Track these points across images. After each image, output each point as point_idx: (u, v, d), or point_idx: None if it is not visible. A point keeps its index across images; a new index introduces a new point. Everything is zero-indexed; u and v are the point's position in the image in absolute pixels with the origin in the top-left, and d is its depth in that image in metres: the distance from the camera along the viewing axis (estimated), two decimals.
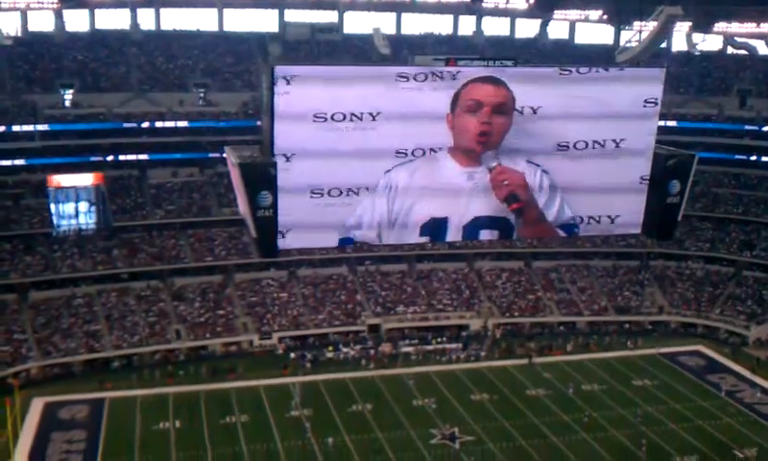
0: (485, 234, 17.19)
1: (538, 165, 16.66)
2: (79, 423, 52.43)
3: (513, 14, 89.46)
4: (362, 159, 15.84)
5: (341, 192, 15.94)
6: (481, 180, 16.36)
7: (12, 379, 56.81)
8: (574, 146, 16.86)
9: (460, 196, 16.42)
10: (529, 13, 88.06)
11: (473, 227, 16.84)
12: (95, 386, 57.54)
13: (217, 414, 53.97)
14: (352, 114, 15.61)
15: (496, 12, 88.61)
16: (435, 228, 16.78)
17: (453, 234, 16.99)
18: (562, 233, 17.85)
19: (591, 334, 70.73)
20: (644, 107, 17.11)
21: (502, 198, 16.50)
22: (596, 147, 17.05)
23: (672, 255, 78.76)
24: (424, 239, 17.08)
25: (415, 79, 15.84)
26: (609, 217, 17.74)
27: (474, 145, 16.15)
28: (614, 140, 17.15)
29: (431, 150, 16.14)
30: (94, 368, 61.47)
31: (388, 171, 16.12)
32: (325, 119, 15.50)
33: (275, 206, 15.57)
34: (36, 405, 54.37)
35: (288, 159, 15.43)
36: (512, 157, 16.37)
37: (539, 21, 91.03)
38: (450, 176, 16.23)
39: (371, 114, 15.71)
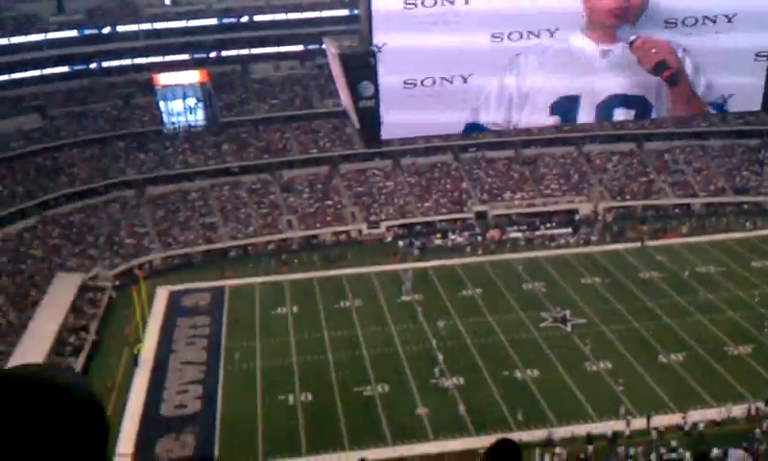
0: (619, 114, 16.46)
1: (678, 44, 15.50)
2: (202, 309, 54.88)
3: None
4: (463, 45, 15.14)
5: (434, 82, 15.35)
6: (617, 56, 15.47)
7: (137, 270, 59.65)
8: (683, 22, 15.57)
9: (593, 73, 15.58)
10: None
11: (607, 106, 16.11)
12: (215, 275, 59.85)
13: (331, 299, 55.46)
14: None
15: None
16: (566, 107, 16.12)
17: (585, 114, 16.31)
18: (712, 110, 16.93)
19: (708, 216, 68.40)
20: None
21: (651, 66, 15.51)
22: (707, 23, 15.68)
23: None
24: (555, 120, 16.50)
25: None
26: (722, 96, 16.51)
27: (611, 19, 15.21)
28: (726, 15, 15.72)
29: (557, 29, 15.26)
30: (212, 258, 63.86)
31: (518, 55, 15.39)
32: (415, 5, 14.61)
33: (376, 95, 15.31)
34: (162, 294, 57.09)
35: (380, 50, 14.91)
36: (650, 32, 15.33)
37: None
38: (583, 53, 15.38)
39: None
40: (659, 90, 16.20)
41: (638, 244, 62.87)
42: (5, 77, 69.83)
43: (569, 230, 66.17)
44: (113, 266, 59.86)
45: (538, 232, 66.27)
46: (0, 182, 63.06)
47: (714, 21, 15.69)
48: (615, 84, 15.94)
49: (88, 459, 1.71)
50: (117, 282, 58.17)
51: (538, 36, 15.25)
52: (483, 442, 34.70)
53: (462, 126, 16.32)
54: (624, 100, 16.22)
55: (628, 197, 70.78)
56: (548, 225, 67.02)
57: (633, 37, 15.39)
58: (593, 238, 64.84)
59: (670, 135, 74.97)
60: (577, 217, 68.66)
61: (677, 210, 69.87)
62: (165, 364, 47.07)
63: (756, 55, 16.27)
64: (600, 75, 15.85)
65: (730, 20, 15.72)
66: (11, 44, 69.50)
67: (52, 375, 1.75)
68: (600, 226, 67.07)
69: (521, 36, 15.15)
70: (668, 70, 15.74)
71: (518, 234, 66.16)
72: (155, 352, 48.34)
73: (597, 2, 15.19)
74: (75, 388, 1.75)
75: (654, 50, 15.57)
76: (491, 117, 16.08)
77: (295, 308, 54.41)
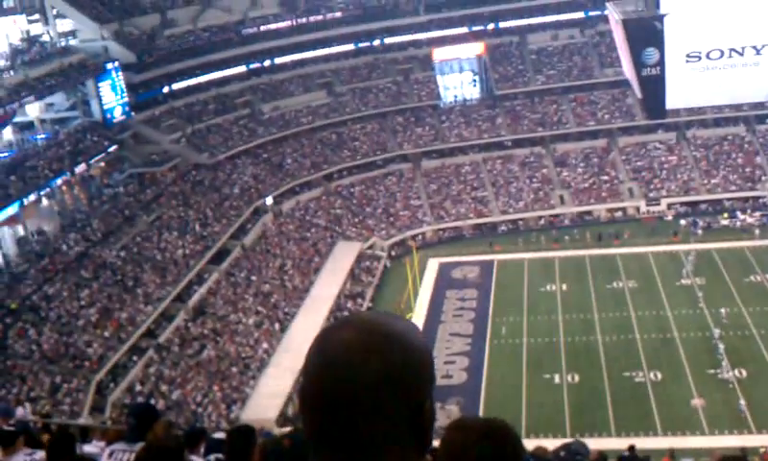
0: None
1: None
2: (470, 282, 55.38)
3: None
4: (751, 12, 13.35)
5: (722, 54, 13.78)
6: None
7: (410, 241, 61.60)
8: None
9: None
10: None
11: None
12: (485, 248, 60.11)
13: (603, 279, 53.36)
14: None
15: None
16: None
17: None
18: None
19: None
20: None
21: None
22: None
23: None
24: None
25: None
26: None
27: None
28: None
29: None
30: (483, 232, 64.18)
31: None
32: None
33: (661, 63, 13.99)
34: (432, 265, 58.46)
35: (666, 15, 13.58)
36: None
37: None
38: None
39: None
40: None
41: None
42: (297, 56, 74.98)
43: None
44: (389, 237, 62.39)
45: None
46: (290, 156, 68.04)
47: None
48: None
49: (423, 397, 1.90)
50: (392, 253, 60.57)
51: None
52: (763, 440, 31.70)
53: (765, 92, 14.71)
54: None
55: None
56: None
57: None
58: None
59: None
60: None
61: None
62: (434, 334, 48.11)
63: None
64: None
65: None
66: (299, 25, 74.30)
67: (395, 322, 1.94)
68: None
69: None
70: None
71: None
72: (424, 322, 49.50)
73: None
74: (413, 333, 1.94)
75: None
76: None
77: (564, 286, 53.05)
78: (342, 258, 56.28)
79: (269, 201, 61.52)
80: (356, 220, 63.90)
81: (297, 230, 60.66)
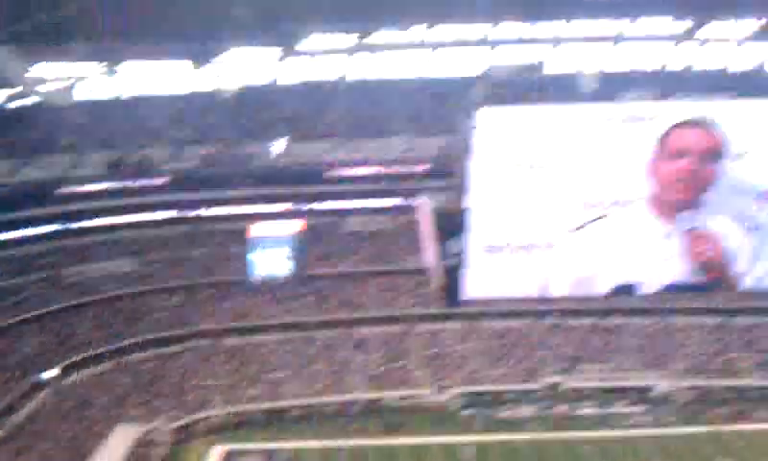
0: (676, 295, 16.41)
1: (744, 223, 15.32)
2: None
3: (733, 42, 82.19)
4: (548, 213, 15.63)
5: (521, 247, 15.83)
6: (677, 243, 15.58)
7: (198, 425, 60.56)
8: None
9: (655, 257, 15.75)
10: (752, 40, 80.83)
11: (667, 290, 16.21)
12: (274, 435, 59.85)
13: None
14: (544, 160, 15.51)
15: (714, 40, 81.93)
16: (625, 288, 16.49)
17: (645, 292, 16.51)
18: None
19: None
20: None
21: (698, 265, 15.56)
22: None
23: None
24: (614, 297, 16.77)
25: (615, 121, 15.38)
26: None
27: (675, 194, 15.31)
28: None
29: (626, 201, 15.56)
30: (275, 416, 64.04)
31: (579, 228, 15.77)
32: (519, 165, 15.51)
33: (463, 254, 15.73)
34: (216, 453, 57.41)
35: (472, 210, 15.44)
36: (714, 214, 15.20)
37: (763, 50, 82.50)
38: (645, 235, 15.59)
39: (563, 160, 15.56)
40: None
41: (717, 427, 59.14)
42: (110, 220, 74.34)
43: (644, 408, 62.88)
44: (176, 418, 61.09)
45: (611, 409, 63.27)
46: (82, 325, 66.28)
47: None
48: (676, 270, 16.07)
49: None
50: (175, 438, 59.18)
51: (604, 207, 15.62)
52: None
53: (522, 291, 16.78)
54: (682, 287, 16.30)
55: (708, 375, 66.46)
56: (623, 401, 63.87)
57: (691, 226, 15.33)
58: (670, 419, 61.32)
59: (758, 311, 70.35)
60: (653, 394, 65.01)
61: (759, 393, 64.79)
62: None
63: None
64: (660, 261, 16.02)
65: None
66: (124, 187, 74.18)
67: None
68: (678, 405, 63.35)
69: (616, 204, 15.53)
70: (713, 272, 15.64)
71: (591, 410, 63.32)
72: None
73: (666, 171, 15.31)
74: None
75: (703, 249, 15.51)
76: (562, 288, 16.57)
77: None
78: (116, 445, 54.11)
79: (49, 374, 59.47)
80: (143, 399, 62.38)
81: (74, 409, 58.50)
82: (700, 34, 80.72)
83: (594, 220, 13.39)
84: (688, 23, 79.90)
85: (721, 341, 70.28)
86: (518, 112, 12.79)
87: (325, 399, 65.58)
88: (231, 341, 70.94)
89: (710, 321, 71.90)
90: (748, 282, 13.29)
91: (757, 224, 13.09)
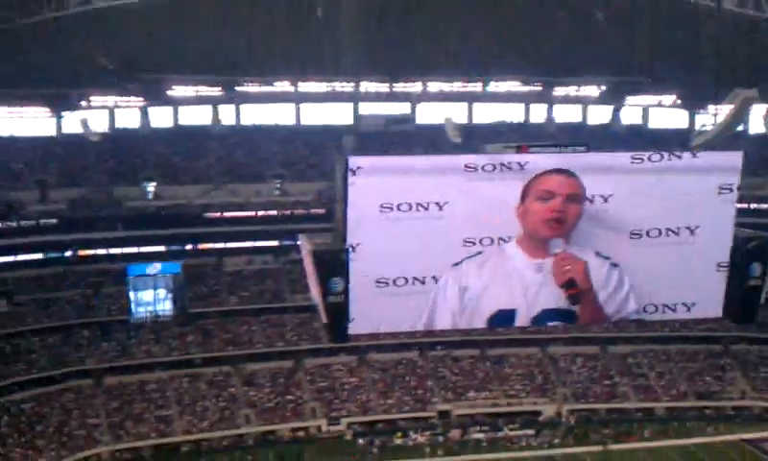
0: (552, 324, 17.46)
1: (607, 258, 16.70)
2: None
3: (584, 102, 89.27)
4: (428, 249, 16.24)
5: (407, 281, 16.35)
6: (549, 271, 16.55)
7: None
8: (647, 234, 16.76)
9: (528, 288, 16.64)
10: (601, 100, 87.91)
11: (541, 318, 17.16)
12: None
13: None
14: (419, 204, 16.17)
15: (568, 100, 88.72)
16: (503, 319, 17.19)
17: (521, 324, 17.36)
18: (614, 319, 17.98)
19: (670, 420, 67.63)
20: (720, 194, 16.68)
21: (560, 283, 16.60)
22: (670, 235, 16.86)
23: (755, 339, 74.89)
24: (492, 328, 17.55)
25: (483, 169, 16.23)
26: (684, 305, 17.53)
27: (546, 231, 16.32)
28: (689, 227, 16.88)
29: (500, 239, 16.43)
30: (164, 453, 61.95)
31: (457, 264, 16.54)
32: (392, 208, 16.04)
33: (346, 292, 16.07)
34: None
35: (354, 250, 16.01)
36: (581, 247, 16.53)
37: (611, 107, 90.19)
38: (519, 268, 16.51)
39: (438, 204, 16.24)
40: None
41: (601, 447, 61.85)
42: None
43: (532, 431, 65.20)
44: (59, 458, 57.92)
45: (500, 433, 65.28)
46: None
47: (677, 233, 16.82)
48: (549, 297, 16.90)
49: None
50: None
51: (480, 243, 16.33)
52: None
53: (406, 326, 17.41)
54: (555, 313, 17.16)
55: (591, 399, 70.08)
56: (511, 426, 66.03)
57: (558, 250, 16.30)
58: (556, 441, 63.87)
59: (633, 339, 75.20)
60: (540, 419, 67.70)
61: (639, 414, 68.99)
62: None
63: (718, 265, 17.25)
64: (534, 289, 16.80)
65: (692, 233, 16.85)
66: None
67: None
68: (563, 428, 66.11)
69: (491, 242, 16.15)
70: (573, 289, 16.66)
71: (481, 435, 65.07)
72: None
73: (535, 212, 16.23)
74: None
75: (567, 267, 16.51)
76: (445, 321, 17.20)
77: None
78: None
79: None
80: (23, 440, 58.89)
81: None
82: (549, 95, 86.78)
83: (471, 256, 14.81)
84: (538, 87, 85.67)
85: (601, 367, 74.07)
86: (389, 161, 14.00)
87: (218, 433, 64.07)
88: (114, 380, 68.30)
89: (590, 349, 75.60)
90: (609, 309, 15.04)
91: (619, 258, 15.07)
